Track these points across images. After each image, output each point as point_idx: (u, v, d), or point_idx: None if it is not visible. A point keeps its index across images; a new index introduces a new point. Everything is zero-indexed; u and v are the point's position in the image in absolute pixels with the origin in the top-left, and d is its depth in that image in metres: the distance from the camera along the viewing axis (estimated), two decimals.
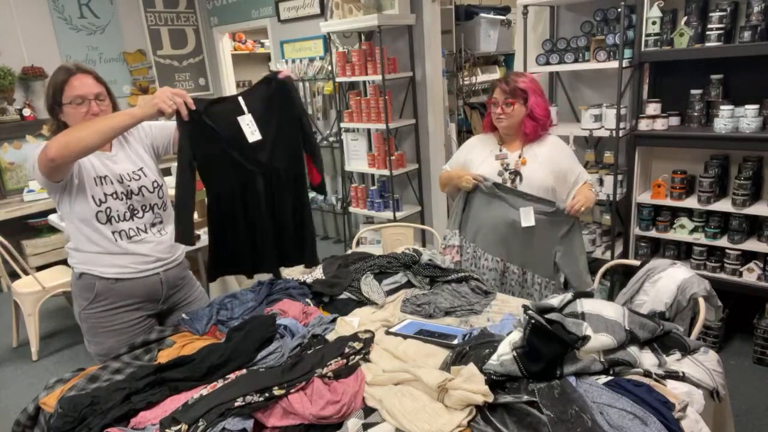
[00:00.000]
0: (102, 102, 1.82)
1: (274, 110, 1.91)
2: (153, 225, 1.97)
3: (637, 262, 2.09)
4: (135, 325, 1.95)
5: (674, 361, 1.46)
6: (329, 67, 4.75)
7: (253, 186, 1.95)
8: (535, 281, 2.32)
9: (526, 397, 1.29)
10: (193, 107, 1.76)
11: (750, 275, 2.92)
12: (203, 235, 3.17)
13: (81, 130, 1.67)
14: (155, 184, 1.97)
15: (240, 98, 1.86)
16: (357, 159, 4.64)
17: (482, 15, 4.81)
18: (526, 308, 1.43)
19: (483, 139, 2.46)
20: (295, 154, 1.99)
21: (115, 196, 1.86)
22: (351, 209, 4.81)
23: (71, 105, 1.77)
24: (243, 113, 1.86)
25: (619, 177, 3.22)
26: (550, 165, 2.26)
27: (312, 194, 5.56)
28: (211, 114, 1.81)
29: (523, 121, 2.26)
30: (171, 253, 2.02)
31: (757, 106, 2.73)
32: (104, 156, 1.88)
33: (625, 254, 3.33)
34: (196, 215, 3.35)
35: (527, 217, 2.22)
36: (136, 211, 1.92)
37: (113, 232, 1.87)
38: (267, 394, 1.35)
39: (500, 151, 2.34)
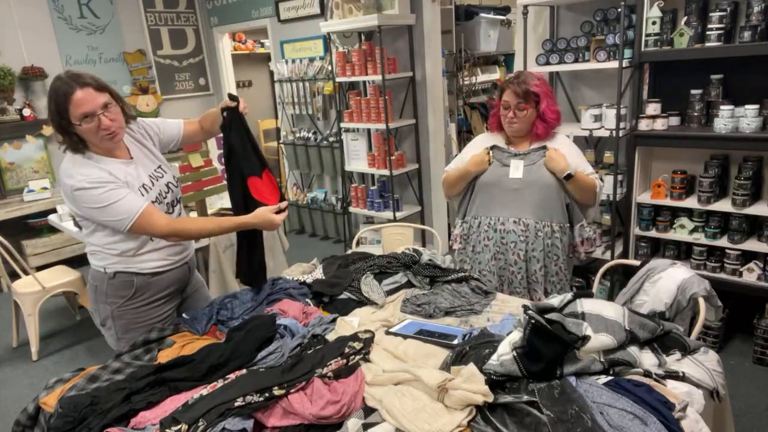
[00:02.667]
0: (110, 111, 1.74)
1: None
2: (179, 216, 2.05)
3: (637, 262, 2.09)
4: (167, 318, 2.01)
5: (674, 361, 1.46)
6: (329, 67, 4.75)
7: None
8: (554, 229, 2.26)
9: (526, 397, 1.29)
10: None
11: (750, 275, 2.92)
12: None
13: (199, 229, 1.93)
14: (175, 178, 2.04)
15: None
16: (357, 159, 4.64)
17: (482, 15, 4.81)
18: (526, 308, 1.43)
19: (489, 138, 2.43)
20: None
21: (158, 201, 1.90)
22: (351, 209, 4.81)
23: (80, 124, 1.70)
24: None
25: (619, 177, 3.22)
26: None
27: (313, 194, 5.57)
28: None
29: (535, 123, 2.25)
30: (191, 242, 2.13)
31: (757, 106, 2.73)
32: (132, 163, 1.88)
33: (625, 254, 3.33)
34: (195, 213, 3.35)
35: (516, 170, 2.26)
36: (171, 208, 1.99)
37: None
38: (267, 394, 1.35)
39: (507, 148, 2.34)
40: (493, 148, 2.33)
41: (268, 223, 1.93)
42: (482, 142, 2.44)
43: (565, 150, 2.26)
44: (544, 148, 2.24)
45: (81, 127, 1.72)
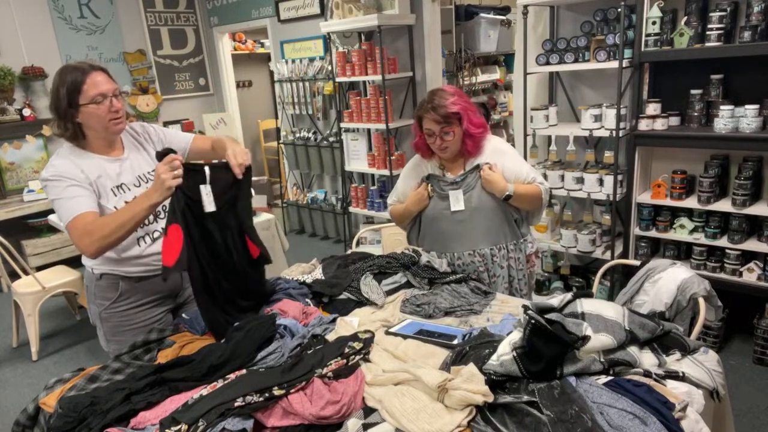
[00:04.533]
0: (119, 98, 1.79)
1: (231, 191, 1.82)
2: None
3: (637, 262, 2.09)
4: (156, 322, 1.97)
5: (674, 361, 1.46)
6: (329, 67, 4.75)
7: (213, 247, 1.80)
8: (509, 249, 2.21)
9: (526, 397, 1.29)
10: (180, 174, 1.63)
11: (750, 275, 2.92)
12: None
13: (114, 222, 1.65)
14: None
15: (206, 168, 1.75)
16: (357, 159, 4.64)
17: (482, 15, 4.81)
18: (526, 308, 1.43)
19: (421, 164, 2.29)
20: (241, 233, 1.87)
21: None
22: (351, 209, 4.82)
23: (92, 104, 1.72)
24: (205, 182, 1.75)
25: (619, 177, 3.22)
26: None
27: (313, 194, 5.57)
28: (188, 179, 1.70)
29: (464, 142, 2.12)
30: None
31: (757, 106, 2.73)
32: (117, 161, 1.87)
33: (625, 254, 3.33)
34: None
35: (456, 202, 2.15)
36: (158, 213, 1.93)
37: (138, 238, 1.88)
38: (267, 394, 1.35)
39: (443, 174, 2.22)
40: (429, 177, 2.21)
41: (159, 183, 1.61)
42: (415, 170, 2.31)
43: (500, 160, 2.16)
44: (478, 167, 2.13)
45: (90, 109, 1.72)
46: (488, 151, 2.19)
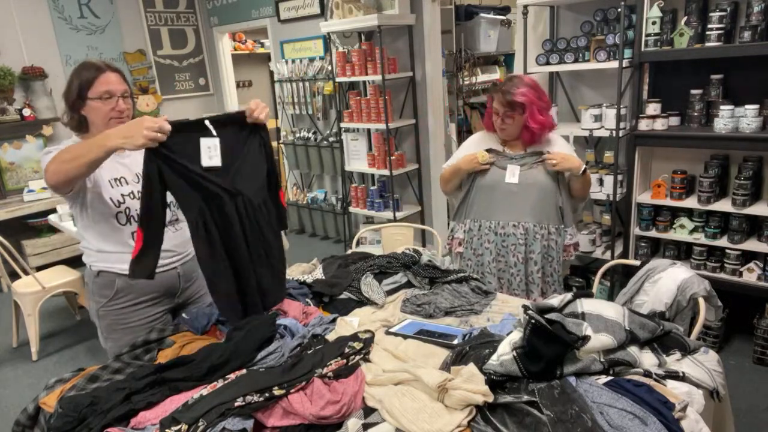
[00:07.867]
0: (127, 100, 1.86)
1: (241, 144, 1.74)
2: (170, 222, 1.97)
3: (637, 262, 2.09)
4: (153, 321, 1.97)
5: (674, 361, 1.46)
6: (329, 67, 4.75)
7: (222, 208, 1.71)
8: (550, 231, 2.33)
9: (526, 397, 1.30)
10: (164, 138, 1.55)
11: (750, 275, 2.92)
12: None
13: (64, 161, 1.62)
14: None
15: (207, 122, 1.67)
16: (357, 159, 4.64)
17: (482, 15, 4.81)
18: (526, 308, 1.43)
19: (485, 137, 2.46)
20: (261, 185, 1.80)
21: (132, 196, 1.87)
22: (351, 209, 4.82)
23: (99, 100, 1.80)
24: (210, 135, 1.65)
25: (619, 177, 3.22)
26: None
27: (313, 194, 5.57)
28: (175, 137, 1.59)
29: (522, 131, 2.30)
30: (186, 247, 2.03)
31: (757, 106, 2.73)
32: (119, 156, 1.89)
33: (625, 254, 3.33)
34: None
35: (512, 175, 2.31)
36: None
37: (133, 233, 1.87)
38: (267, 394, 1.35)
39: (503, 150, 2.37)
40: (489, 151, 2.36)
41: (128, 132, 1.52)
42: (477, 142, 2.47)
43: (557, 150, 2.32)
44: (541, 153, 2.29)
45: (96, 103, 1.79)
46: (556, 146, 2.36)
